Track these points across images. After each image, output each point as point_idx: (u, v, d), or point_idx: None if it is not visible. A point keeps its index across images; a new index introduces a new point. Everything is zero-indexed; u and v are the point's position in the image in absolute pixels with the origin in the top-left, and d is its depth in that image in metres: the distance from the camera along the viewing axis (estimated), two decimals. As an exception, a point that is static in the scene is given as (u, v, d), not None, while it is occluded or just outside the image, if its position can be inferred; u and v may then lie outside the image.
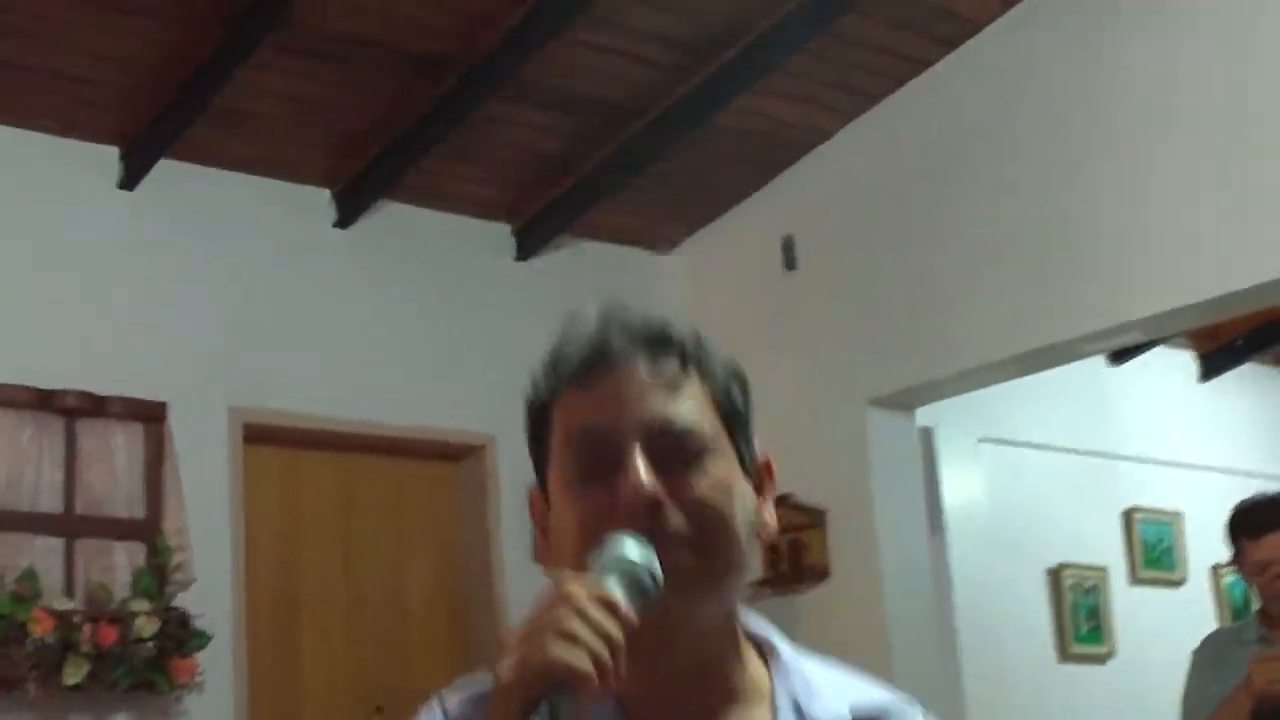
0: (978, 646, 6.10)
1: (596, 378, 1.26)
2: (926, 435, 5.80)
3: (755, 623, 1.36)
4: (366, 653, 5.05)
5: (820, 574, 5.34)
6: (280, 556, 4.95)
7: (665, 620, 1.19)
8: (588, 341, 1.27)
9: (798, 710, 1.28)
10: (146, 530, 4.49)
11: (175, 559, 4.50)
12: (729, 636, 1.29)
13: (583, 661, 1.04)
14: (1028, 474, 6.59)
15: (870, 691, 1.34)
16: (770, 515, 1.33)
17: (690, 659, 1.26)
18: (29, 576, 4.23)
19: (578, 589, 1.09)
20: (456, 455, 5.36)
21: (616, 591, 1.11)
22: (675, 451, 1.23)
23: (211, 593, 4.60)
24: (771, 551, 5.47)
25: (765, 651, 1.34)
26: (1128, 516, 7.08)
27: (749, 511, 1.28)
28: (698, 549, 1.22)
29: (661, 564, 1.17)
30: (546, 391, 1.30)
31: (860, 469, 5.26)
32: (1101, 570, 6.88)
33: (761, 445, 1.34)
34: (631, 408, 1.24)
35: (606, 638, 1.06)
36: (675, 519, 1.21)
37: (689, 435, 1.24)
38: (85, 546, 4.41)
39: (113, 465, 4.49)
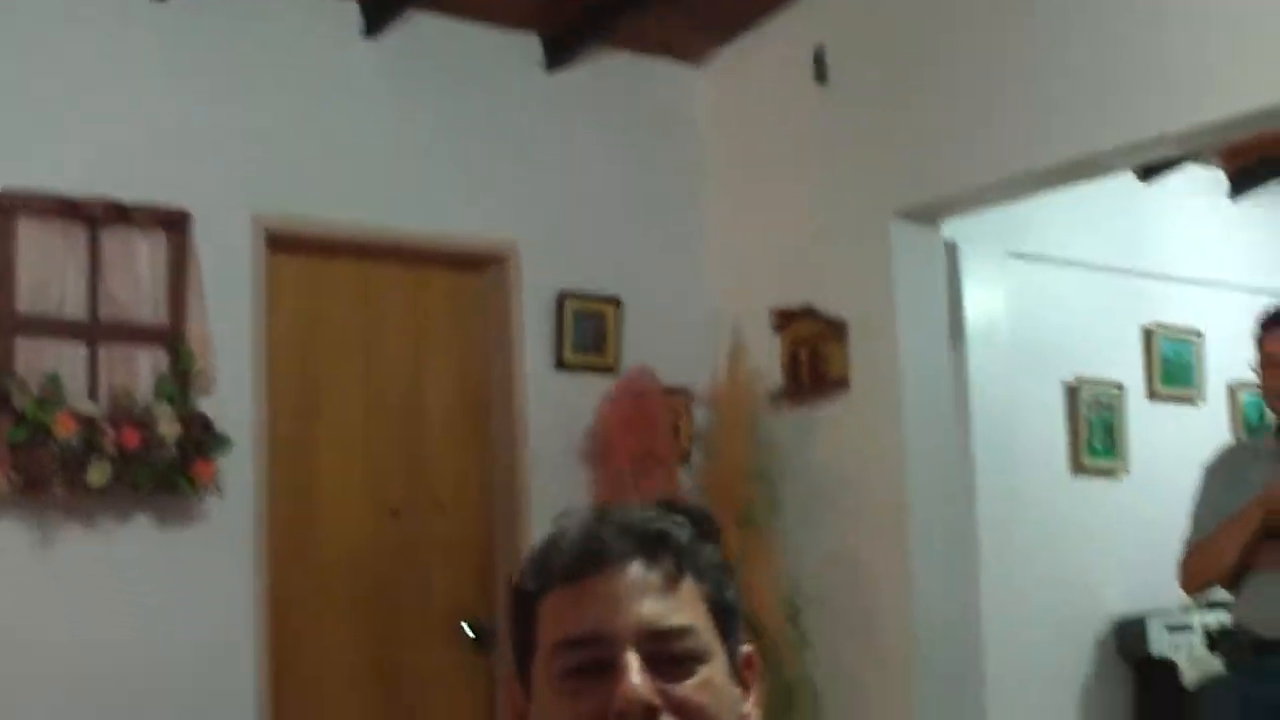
0: (992, 461, 6.15)
1: (589, 577, 1.25)
2: (951, 249, 5.76)
3: None
4: (384, 458, 5.09)
5: (839, 385, 5.35)
6: (301, 363, 4.97)
7: None
8: (580, 539, 1.27)
9: None
10: (169, 336, 4.50)
11: (197, 364, 4.52)
12: None
13: None
14: (1052, 289, 6.57)
15: None
16: (755, 710, 1.33)
17: None
18: (53, 381, 4.26)
19: None
20: (480, 264, 5.34)
21: None
22: (668, 655, 1.23)
23: (232, 398, 4.62)
24: (791, 362, 5.49)
25: None
26: (1148, 333, 7.07)
27: (734, 711, 1.28)
28: None
29: None
30: (535, 585, 1.29)
31: (883, 281, 5.23)
32: (1119, 386, 6.90)
33: (745, 644, 1.34)
34: (625, 610, 1.23)
35: None
36: None
37: (683, 639, 1.24)
38: (109, 352, 4.42)
39: (136, 272, 4.48)
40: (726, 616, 1.29)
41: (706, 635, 1.26)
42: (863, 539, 5.19)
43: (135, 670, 4.42)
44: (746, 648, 1.33)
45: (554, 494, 5.15)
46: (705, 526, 1.33)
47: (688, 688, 1.22)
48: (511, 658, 1.33)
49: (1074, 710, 6.71)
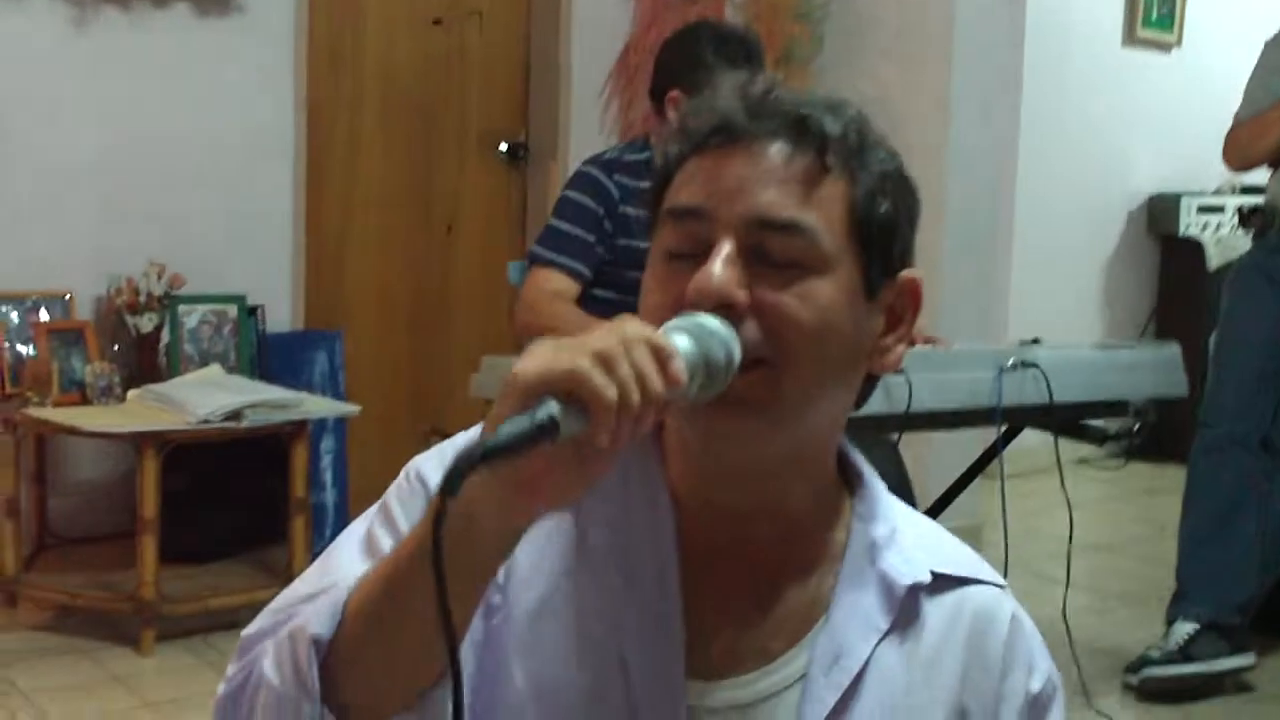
0: (1043, 24, 6.02)
1: (722, 149, 1.09)
2: None
3: (851, 454, 1.22)
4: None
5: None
6: None
7: (723, 438, 1.08)
8: (725, 107, 1.11)
9: (872, 556, 1.15)
10: None
11: None
12: (801, 473, 1.14)
13: (608, 390, 0.89)
14: None
15: (960, 557, 1.20)
16: (896, 351, 1.15)
17: (743, 483, 1.12)
18: None
19: (634, 326, 0.94)
20: None
21: (680, 346, 0.97)
22: (774, 254, 1.07)
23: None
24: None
25: (853, 482, 1.20)
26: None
27: (858, 339, 1.11)
28: (766, 367, 1.06)
29: None
30: (674, 150, 1.13)
31: None
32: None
33: (911, 270, 1.16)
34: (742, 191, 1.07)
35: (643, 382, 0.91)
36: (748, 328, 1.05)
37: (794, 238, 1.07)
38: None
39: None
40: (871, 229, 1.10)
41: (830, 243, 1.08)
42: (904, 87, 5.14)
43: (172, 157, 4.48)
44: (910, 273, 1.15)
45: (595, 14, 5.11)
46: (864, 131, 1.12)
47: (784, 294, 1.06)
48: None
49: (1098, 280, 6.81)
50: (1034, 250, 6.28)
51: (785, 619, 1.13)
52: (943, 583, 1.16)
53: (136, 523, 3.81)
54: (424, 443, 1.24)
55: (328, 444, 4.54)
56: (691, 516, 1.13)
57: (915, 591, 1.14)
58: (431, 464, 1.15)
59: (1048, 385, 2.79)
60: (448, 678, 0.95)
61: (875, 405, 2.56)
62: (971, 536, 4.11)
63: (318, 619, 1.01)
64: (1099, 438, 3.00)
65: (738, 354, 1.02)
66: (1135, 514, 5.88)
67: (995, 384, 2.73)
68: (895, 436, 2.89)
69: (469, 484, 0.89)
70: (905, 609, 1.13)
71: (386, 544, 1.11)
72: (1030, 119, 6.09)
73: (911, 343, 2.75)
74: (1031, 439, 3.32)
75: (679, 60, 3.17)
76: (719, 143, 1.09)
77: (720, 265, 1.05)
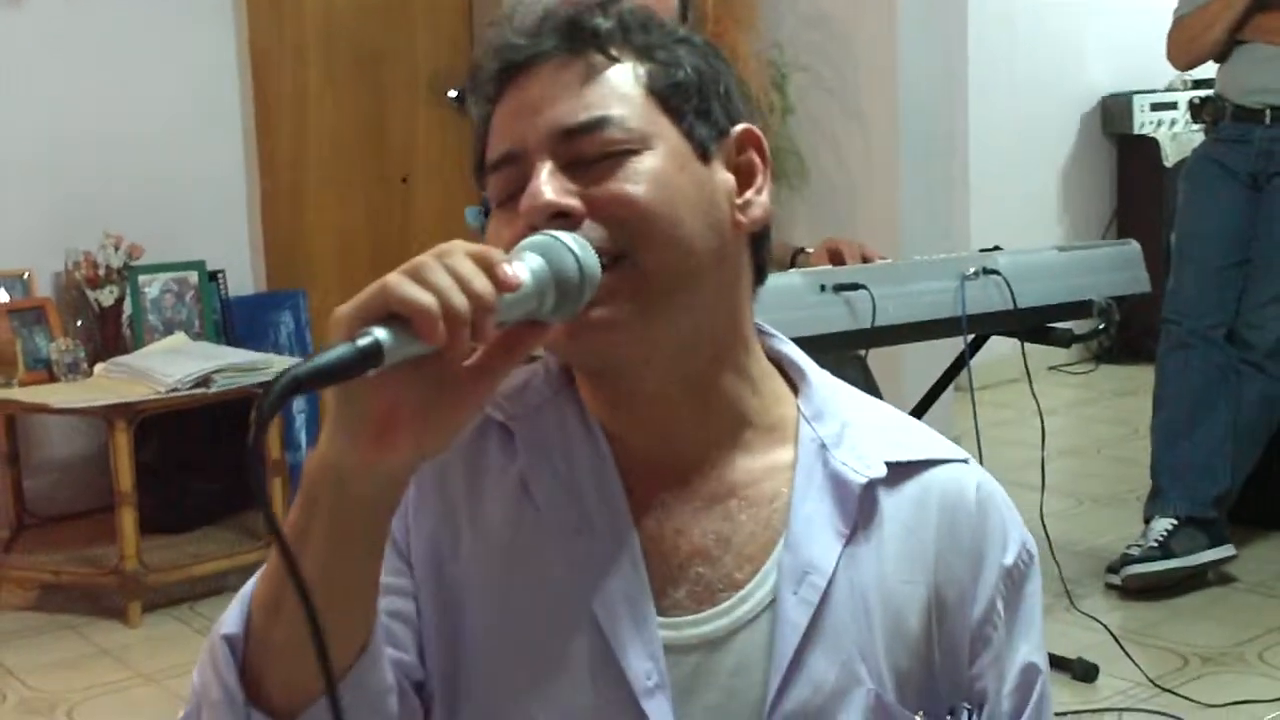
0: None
1: (509, 91, 1.09)
2: None
3: (778, 343, 1.19)
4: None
5: None
6: None
7: (606, 341, 1.05)
8: (498, 46, 1.10)
9: (823, 455, 1.12)
10: None
11: None
12: (720, 358, 1.11)
13: (422, 295, 0.86)
14: None
15: (916, 440, 1.17)
16: (758, 203, 1.12)
17: (665, 386, 1.10)
18: None
19: (457, 243, 0.92)
20: None
21: (524, 265, 0.94)
22: (587, 155, 1.05)
23: None
24: None
25: (793, 377, 1.18)
26: None
27: (710, 201, 1.08)
28: (624, 260, 1.04)
29: None
30: (481, 116, 1.12)
31: None
32: None
33: (745, 121, 1.13)
34: (540, 116, 1.06)
35: (470, 291, 0.88)
36: (592, 229, 1.03)
37: (599, 132, 1.05)
38: None
39: None
40: (676, 95, 1.09)
41: (638, 121, 1.07)
42: (849, 4, 5.11)
43: (119, 125, 4.44)
44: (739, 126, 1.13)
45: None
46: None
47: (610, 185, 1.04)
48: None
49: (1055, 182, 6.82)
50: (990, 158, 6.27)
51: (746, 542, 1.10)
52: (902, 471, 1.13)
53: (114, 496, 3.80)
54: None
55: (299, 404, 4.53)
56: (629, 450, 1.11)
57: (873, 488, 1.11)
58: None
59: (1010, 290, 2.80)
60: (365, 655, 0.96)
61: (839, 322, 2.59)
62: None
63: (229, 618, 0.99)
64: (1065, 340, 3.01)
65: (592, 259, 0.99)
66: (1108, 416, 5.92)
67: (958, 293, 2.73)
68: (863, 352, 2.89)
69: (325, 443, 0.90)
70: (865, 508, 1.11)
71: None
72: (979, 23, 6.06)
73: (866, 259, 2.76)
74: (1001, 348, 3.33)
75: None
76: (507, 81, 1.09)
77: (542, 181, 1.04)
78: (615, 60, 1.08)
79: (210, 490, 4.28)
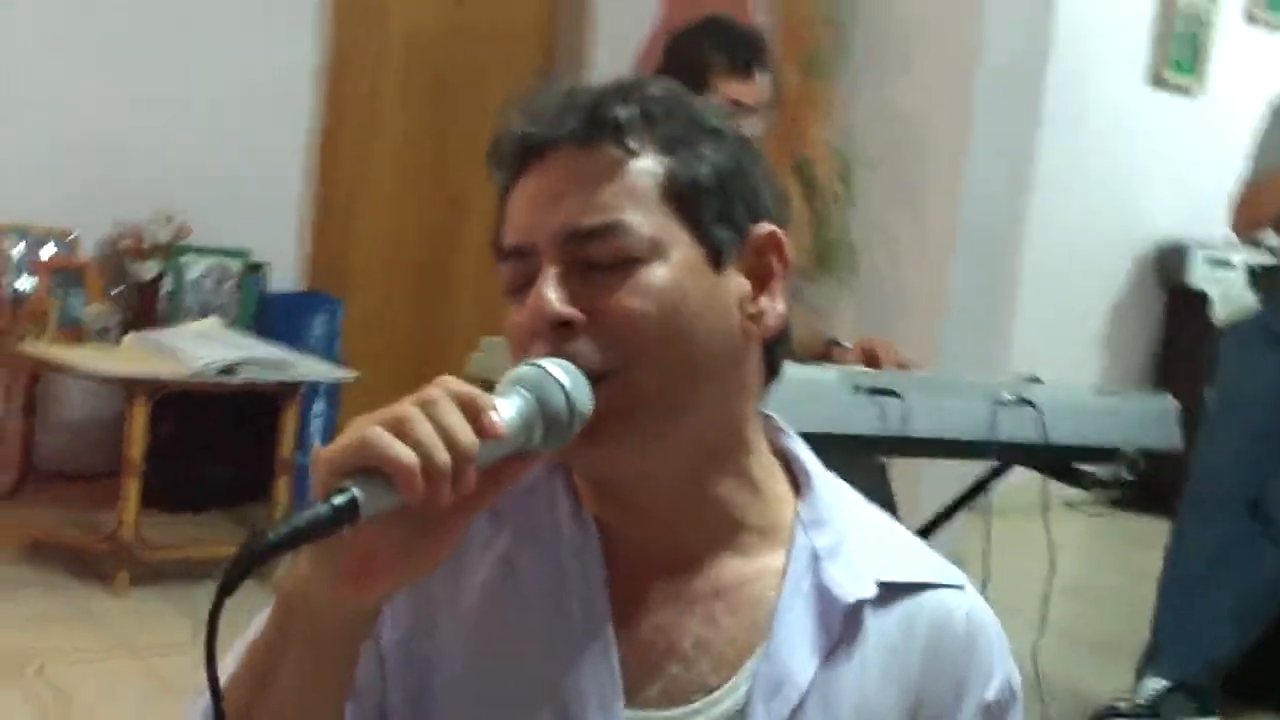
0: (1070, 55, 5.99)
1: (527, 173, 1.06)
2: None
3: (788, 440, 1.16)
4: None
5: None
6: None
7: (597, 462, 1.04)
8: (520, 123, 1.07)
9: (815, 565, 1.09)
10: None
11: None
12: (720, 464, 1.08)
13: (402, 453, 0.85)
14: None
15: (909, 561, 1.13)
16: (773, 311, 1.08)
17: (659, 494, 1.08)
18: None
19: (441, 386, 0.90)
20: None
21: (511, 403, 0.93)
22: (598, 259, 1.02)
23: None
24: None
25: (798, 477, 1.14)
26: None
27: (720, 312, 1.05)
28: (623, 375, 1.01)
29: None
30: (498, 181, 1.10)
31: None
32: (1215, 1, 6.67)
33: (767, 223, 1.09)
34: (547, 213, 1.04)
35: (452, 440, 0.87)
36: (583, 344, 1.01)
37: (608, 239, 1.02)
38: None
39: None
40: (694, 195, 1.04)
41: (651, 227, 1.02)
42: (927, 101, 5.12)
43: (187, 105, 4.48)
44: (764, 227, 1.08)
45: (622, 2, 5.09)
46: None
47: (616, 298, 1.01)
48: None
49: (1102, 322, 6.80)
50: (1040, 282, 6.26)
51: (725, 647, 1.08)
52: (893, 592, 1.10)
53: (121, 465, 3.80)
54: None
55: (319, 407, 4.53)
56: (619, 540, 1.09)
57: (860, 607, 1.08)
58: None
59: (1044, 425, 2.78)
60: None
61: (867, 425, 2.57)
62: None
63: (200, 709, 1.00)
64: (1088, 483, 2.98)
65: (583, 394, 0.97)
66: (1116, 563, 5.87)
67: (991, 417, 2.71)
68: (884, 460, 2.87)
69: (303, 576, 0.89)
70: (849, 626, 1.08)
71: None
72: (1048, 153, 6.07)
73: (901, 365, 2.73)
74: (1018, 477, 3.31)
75: (679, 59, 3.13)
76: (525, 162, 1.06)
77: (547, 289, 1.01)
78: (634, 154, 1.04)
79: (219, 476, 4.28)
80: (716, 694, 1.07)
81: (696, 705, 1.06)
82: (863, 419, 2.58)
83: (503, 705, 1.06)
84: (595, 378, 0.99)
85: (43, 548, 4.02)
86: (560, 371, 0.97)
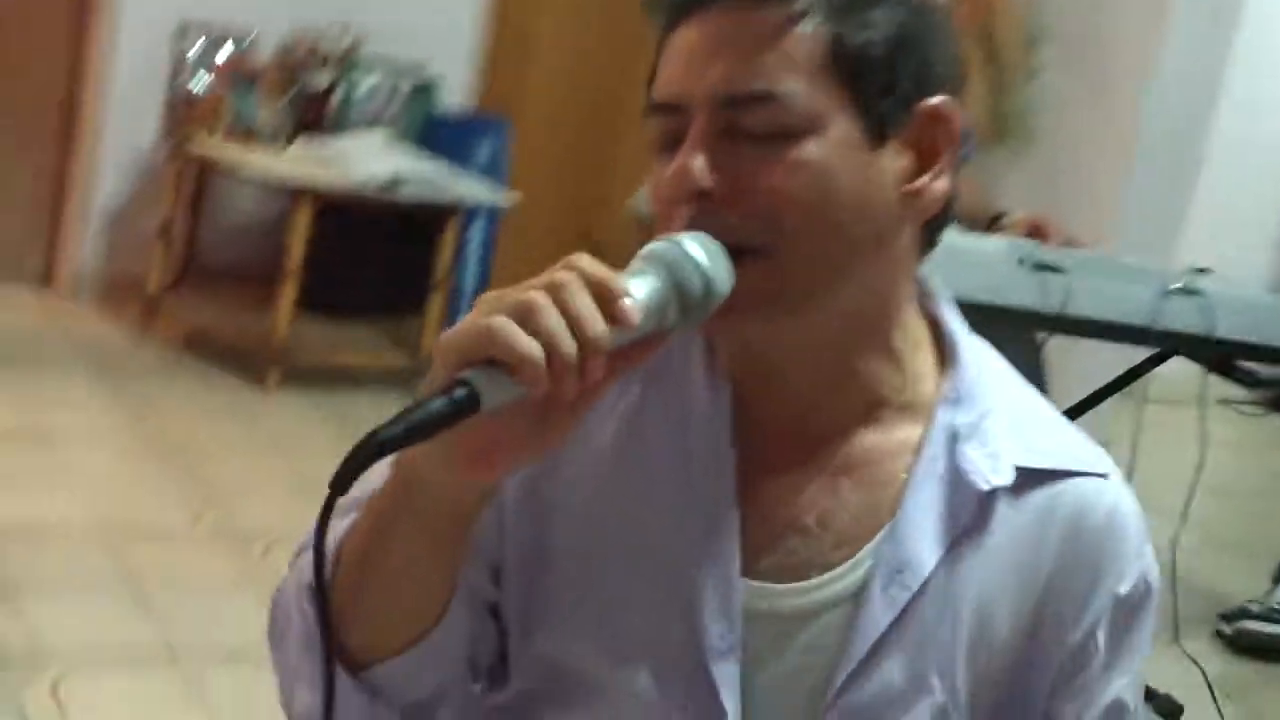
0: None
1: (686, 22, 0.98)
2: None
3: (941, 307, 1.08)
4: None
5: None
6: None
7: (735, 334, 0.99)
8: None
9: (952, 446, 1.03)
10: None
11: None
12: (866, 341, 1.02)
13: (527, 346, 0.80)
14: None
15: (1053, 445, 1.05)
16: (935, 188, 1.00)
17: (799, 367, 1.02)
18: None
19: (573, 268, 0.84)
20: None
21: (644, 283, 0.87)
22: (750, 127, 0.95)
23: None
24: None
25: (945, 349, 1.07)
26: None
27: (875, 190, 0.97)
28: (767, 254, 0.95)
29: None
30: (657, 24, 1.01)
31: None
32: None
33: (938, 96, 0.99)
34: (707, 70, 0.96)
35: (581, 331, 0.82)
36: (730, 218, 0.94)
37: (763, 108, 0.95)
38: None
39: None
40: (860, 67, 0.97)
41: (811, 99, 0.95)
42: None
43: None
44: (933, 101, 0.99)
45: None
46: None
47: (766, 170, 0.95)
48: None
49: (1276, 224, 6.58)
50: (1217, 183, 6.05)
51: (849, 524, 1.02)
52: (1033, 478, 1.02)
53: (280, 268, 3.87)
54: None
55: (478, 227, 4.56)
56: (750, 408, 1.04)
57: (994, 494, 1.01)
58: None
59: (1212, 316, 2.69)
60: (443, 621, 0.95)
61: (1027, 299, 2.51)
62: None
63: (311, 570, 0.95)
64: (1250, 381, 2.90)
65: (721, 274, 0.92)
66: (1265, 466, 5.74)
67: (1156, 304, 2.64)
68: (1041, 336, 2.81)
69: (420, 457, 0.85)
70: (980, 515, 1.01)
71: None
72: (1241, 49, 5.82)
73: (1071, 243, 2.65)
74: (1176, 365, 3.23)
75: None
76: (687, 9, 0.98)
77: (692, 158, 0.96)
78: (800, 18, 0.96)
79: (374, 286, 4.34)
80: (835, 571, 1.02)
81: (814, 581, 1.02)
82: (1024, 292, 2.52)
83: (619, 564, 1.03)
84: (737, 254, 0.93)
85: (201, 340, 4.13)
86: (699, 250, 0.91)
